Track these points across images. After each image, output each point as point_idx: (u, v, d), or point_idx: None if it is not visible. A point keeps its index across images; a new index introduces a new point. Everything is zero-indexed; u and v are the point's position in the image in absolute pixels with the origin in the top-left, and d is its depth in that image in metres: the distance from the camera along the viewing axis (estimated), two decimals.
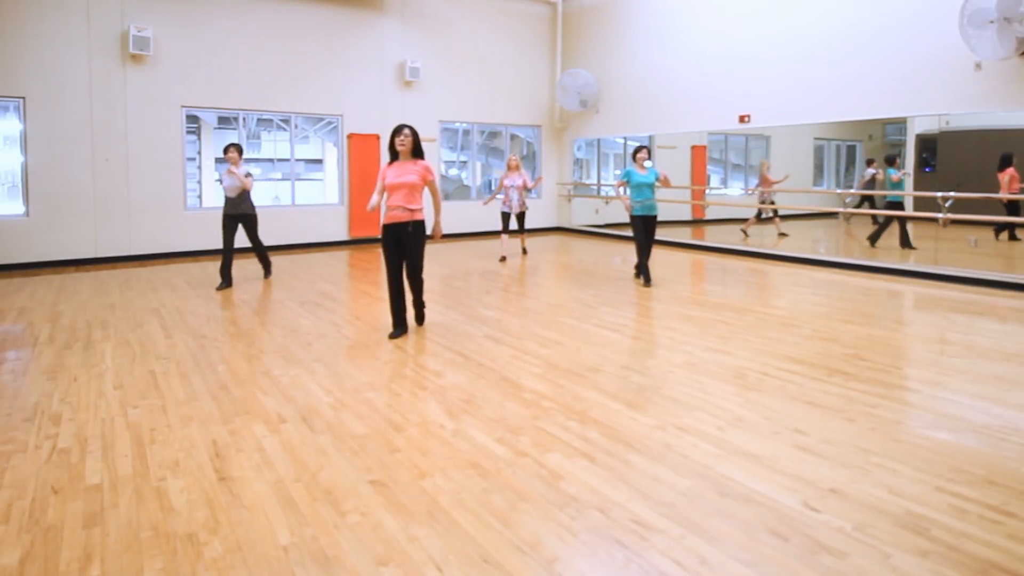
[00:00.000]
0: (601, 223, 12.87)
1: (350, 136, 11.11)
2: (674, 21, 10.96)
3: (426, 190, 5.23)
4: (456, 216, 11.99)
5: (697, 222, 12.51)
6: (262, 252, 7.80)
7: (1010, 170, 7.65)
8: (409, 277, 5.23)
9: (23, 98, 8.60)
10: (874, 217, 9.78)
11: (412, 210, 5.09)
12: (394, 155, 5.19)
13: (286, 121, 11.82)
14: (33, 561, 2.24)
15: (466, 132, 13.51)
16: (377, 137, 11.19)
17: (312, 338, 5.21)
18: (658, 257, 7.63)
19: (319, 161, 14.19)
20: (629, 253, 9.10)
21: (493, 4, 12.52)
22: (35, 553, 2.29)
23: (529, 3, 12.93)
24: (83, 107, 8.95)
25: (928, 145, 8.77)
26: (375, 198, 5.09)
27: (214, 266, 7.98)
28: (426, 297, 6.37)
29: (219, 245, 7.46)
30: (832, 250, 10.02)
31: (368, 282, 7.92)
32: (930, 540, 2.33)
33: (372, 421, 3.49)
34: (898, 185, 8.67)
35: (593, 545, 2.32)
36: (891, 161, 8.72)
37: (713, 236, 11.28)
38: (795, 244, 10.36)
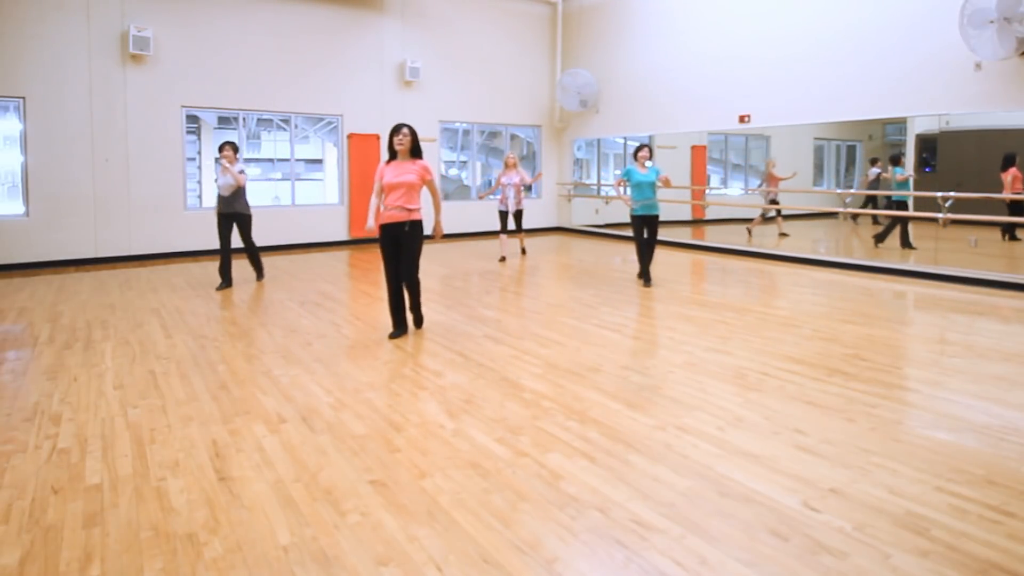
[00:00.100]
0: (601, 223, 12.87)
1: (350, 136, 11.11)
2: (674, 21, 10.96)
3: (425, 190, 5.22)
4: (456, 216, 11.99)
5: (697, 222, 12.51)
6: (254, 254, 7.68)
7: (1013, 170, 7.64)
8: (404, 277, 5.16)
9: (23, 98, 8.60)
10: (874, 217, 9.78)
11: (410, 210, 5.06)
12: (392, 154, 5.16)
13: (286, 121, 11.82)
14: (33, 561, 2.24)
15: (466, 132, 13.51)
16: (377, 137, 11.19)
17: (312, 338, 5.21)
18: (658, 257, 7.63)
19: (319, 161, 14.19)
20: (629, 253, 9.10)
21: (493, 4, 12.52)
22: (35, 553, 2.29)
23: (529, 3, 12.93)
24: (83, 107, 8.95)
25: (928, 145, 8.77)
26: (371, 220, 5.13)
27: (214, 266, 7.97)
28: (426, 297, 6.38)
29: (219, 245, 7.42)
30: (832, 250, 10.02)
31: (368, 282, 7.92)
32: (930, 540, 2.33)
33: (372, 421, 3.49)
34: (904, 184, 8.64)
35: (593, 545, 2.32)
36: (896, 160, 8.69)
37: (713, 236, 11.28)
38: (795, 244, 10.35)
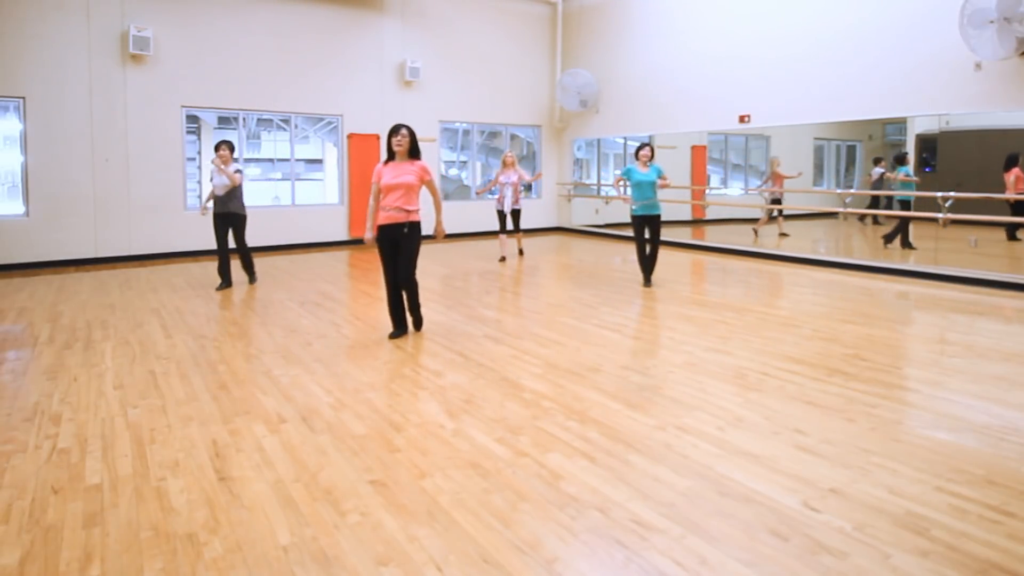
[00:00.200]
0: (601, 223, 12.86)
1: (350, 136, 11.11)
2: (674, 21, 10.96)
3: (425, 190, 5.20)
4: (456, 216, 11.98)
5: (697, 222, 12.51)
6: (246, 255, 7.54)
7: (1015, 170, 7.64)
8: (400, 278, 5.11)
9: (23, 98, 8.60)
10: (875, 217, 9.78)
11: (409, 211, 5.03)
12: (391, 155, 5.12)
13: (286, 121, 11.82)
14: (33, 561, 2.24)
15: (466, 132, 13.51)
16: (377, 137, 11.19)
17: (312, 338, 5.21)
18: (658, 257, 7.60)
19: (319, 161, 14.19)
20: (629, 253, 9.10)
21: (493, 4, 12.52)
22: (35, 553, 2.29)
23: (529, 3, 12.93)
24: (83, 107, 8.95)
25: (928, 145, 8.76)
26: (368, 232, 5.13)
27: (214, 266, 7.97)
28: (426, 297, 6.38)
29: (216, 245, 7.40)
30: (832, 250, 10.02)
31: (368, 282, 7.92)
32: (930, 540, 2.33)
33: (372, 421, 3.49)
34: (909, 184, 8.61)
35: (593, 545, 2.32)
36: (901, 160, 8.65)
37: (713, 236, 11.28)
38: (795, 244, 10.35)
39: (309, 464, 2.98)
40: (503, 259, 9.42)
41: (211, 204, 7.30)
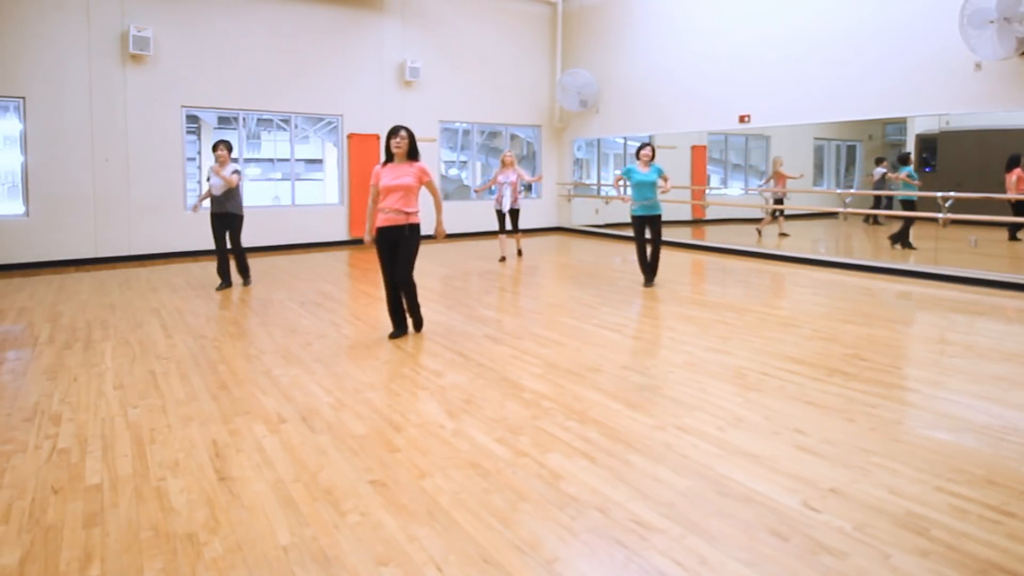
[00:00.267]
0: (601, 223, 12.86)
1: (350, 136, 11.11)
2: (674, 21, 10.96)
3: (424, 191, 5.19)
4: (456, 216, 11.98)
5: (697, 222, 12.51)
6: (241, 255, 7.46)
7: (1017, 170, 7.63)
8: (398, 279, 5.09)
9: (23, 98, 8.60)
10: (875, 217, 9.77)
11: (408, 213, 5.01)
12: (389, 156, 5.09)
13: (286, 121, 11.82)
14: (33, 561, 2.24)
15: (466, 132, 13.51)
16: (377, 137, 11.19)
17: (312, 338, 5.21)
18: (660, 257, 7.59)
19: (319, 161, 14.19)
20: (629, 253, 9.10)
21: (493, 4, 12.52)
22: (35, 553, 2.29)
23: (529, 3, 12.93)
24: (83, 107, 8.95)
25: (928, 145, 8.76)
26: (368, 235, 5.15)
27: (214, 266, 7.96)
28: (426, 297, 6.38)
29: (214, 245, 7.39)
30: (832, 250, 10.02)
31: (368, 282, 7.92)
32: (930, 540, 2.33)
33: (372, 421, 3.49)
34: (911, 184, 8.58)
35: (593, 545, 2.32)
36: (905, 160, 8.63)
37: (713, 236, 11.28)
38: (795, 244, 10.35)
39: (309, 464, 2.98)
40: (503, 259, 9.42)
41: (206, 203, 7.29)
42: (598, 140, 13.52)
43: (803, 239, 10.81)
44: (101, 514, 2.55)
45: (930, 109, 7.86)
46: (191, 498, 2.66)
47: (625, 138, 13.17)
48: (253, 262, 8.69)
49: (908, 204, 8.68)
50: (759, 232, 10.70)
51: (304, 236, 10.87)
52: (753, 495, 2.66)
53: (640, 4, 11.57)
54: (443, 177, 13.34)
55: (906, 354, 4.88)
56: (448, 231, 11.76)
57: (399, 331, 5.23)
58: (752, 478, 2.81)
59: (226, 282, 7.36)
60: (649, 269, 7.41)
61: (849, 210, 9.10)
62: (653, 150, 7.28)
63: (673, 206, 11.16)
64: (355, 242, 11.16)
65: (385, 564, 2.22)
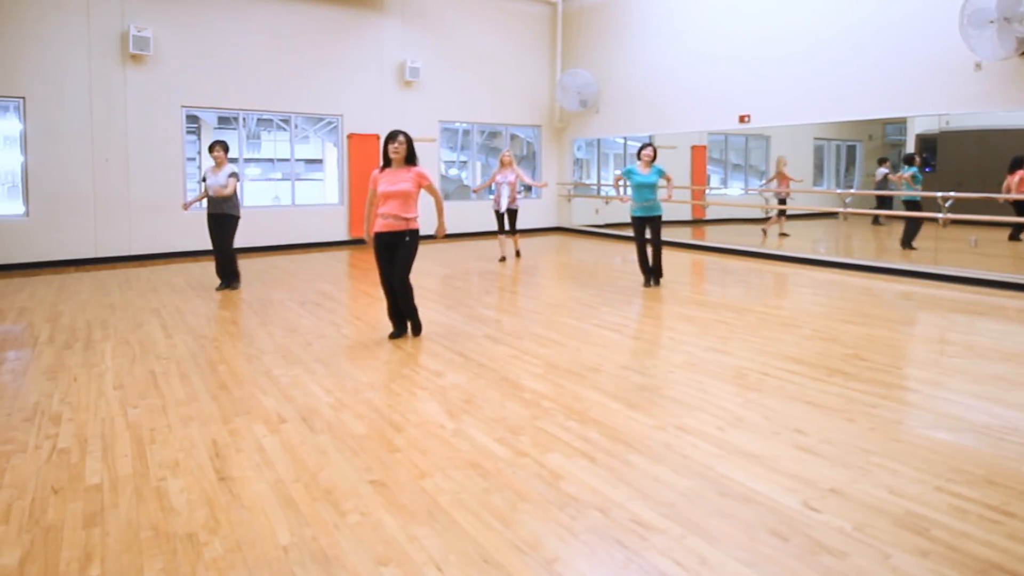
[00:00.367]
0: (601, 223, 12.86)
1: (350, 136, 11.11)
2: (674, 21, 10.96)
3: (424, 193, 5.18)
4: (456, 216, 11.95)
5: (697, 222, 12.51)
6: (229, 258, 7.27)
7: (1020, 172, 7.62)
8: (395, 283, 5.05)
9: (23, 98, 8.60)
10: (876, 217, 9.77)
11: (407, 219, 4.99)
12: (387, 161, 5.05)
13: (286, 121, 11.82)
14: (33, 561, 2.24)
15: (466, 132, 13.51)
16: (377, 137, 11.18)
17: (312, 338, 5.21)
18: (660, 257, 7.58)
19: (319, 161, 14.19)
20: (629, 253, 9.10)
21: (493, 4, 12.52)
22: (35, 553, 2.29)
23: (529, 3, 12.93)
24: (83, 107, 8.95)
25: (928, 145, 8.76)
26: (367, 235, 5.14)
27: (214, 266, 7.96)
28: (426, 297, 6.38)
29: (211, 246, 7.38)
30: (832, 250, 10.02)
31: (368, 282, 7.92)
32: (930, 540, 2.33)
33: (372, 421, 3.49)
34: (913, 183, 8.55)
35: (593, 545, 2.32)
36: (910, 160, 8.60)
37: (713, 236, 11.28)
38: (795, 244, 10.35)
39: (309, 464, 2.98)
40: (503, 259, 9.41)
41: (203, 203, 7.28)
42: (598, 140, 13.52)
43: (803, 239, 10.81)
44: (101, 514, 2.55)
45: (930, 109, 7.86)
46: (191, 498, 2.66)
47: (625, 138, 13.17)
48: (253, 262, 8.69)
49: (912, 205, 8.65)
50: (764, 232, 10.68)
51: (304, 236, 10.86)
52: (753, 495, 2.66)
53: (640, 4, 11.57)
54: (443, 177, 13.33)
55: (906, 354, 4.88)
56: (448, 231, 11.77)
57: (399, 331, 5.23)
58: (752, 478, 2.81)
59: (225, 282, 7.35)
60: (652, 271, 7.38)
61: (849, 210, 9.09)
62: (655, 150, 7.23)
63: (673, 206, 11.16)
64: (355, 242, 11.16)
65: (385, 564, 2.22)
